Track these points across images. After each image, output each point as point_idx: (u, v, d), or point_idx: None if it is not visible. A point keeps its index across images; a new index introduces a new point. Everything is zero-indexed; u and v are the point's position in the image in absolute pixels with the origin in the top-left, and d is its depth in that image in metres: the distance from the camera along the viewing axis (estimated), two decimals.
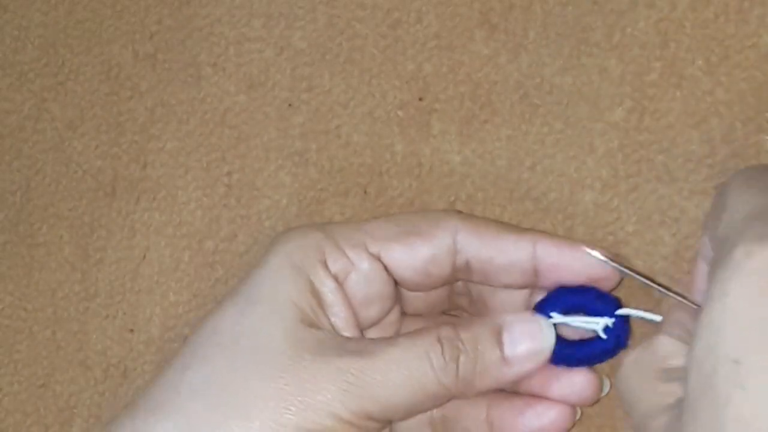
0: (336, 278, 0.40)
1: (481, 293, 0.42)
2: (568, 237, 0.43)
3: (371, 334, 0.42)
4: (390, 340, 0.38)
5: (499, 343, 0.39)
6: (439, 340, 0.38)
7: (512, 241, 0.40)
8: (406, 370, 0.37)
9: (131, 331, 0.49)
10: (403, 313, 0.43)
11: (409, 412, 0.38)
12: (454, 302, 0.43)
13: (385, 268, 0.40)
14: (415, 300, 0.42)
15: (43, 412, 0.49)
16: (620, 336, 0.40)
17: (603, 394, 0.41)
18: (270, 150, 0.49)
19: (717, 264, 0.32)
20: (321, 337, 0.38)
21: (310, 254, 0.39)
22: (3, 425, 0.49)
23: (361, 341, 0.39)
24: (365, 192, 0.47)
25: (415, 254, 0.40)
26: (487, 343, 0.39)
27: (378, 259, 0.40)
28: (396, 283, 0.41)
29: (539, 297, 0.41)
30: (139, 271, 0.49)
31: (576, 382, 0.40)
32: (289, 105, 0.49)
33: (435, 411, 0.41)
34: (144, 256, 0.49)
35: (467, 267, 0.40)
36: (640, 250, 0.43)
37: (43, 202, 0.51)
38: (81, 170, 0.51)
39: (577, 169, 0.45)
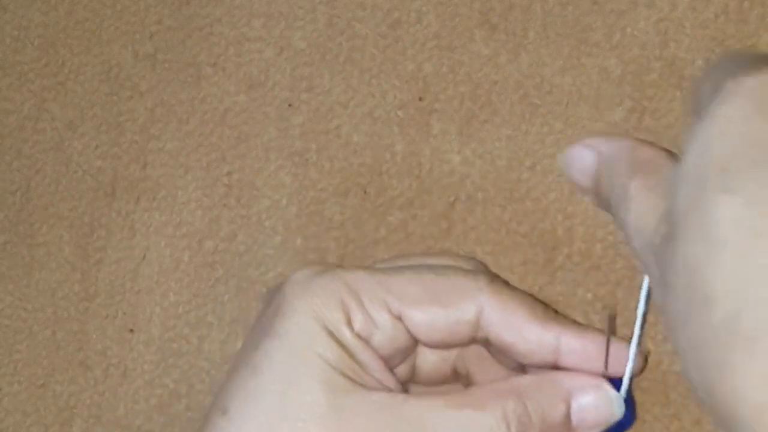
0: (359, 336, 0.39)
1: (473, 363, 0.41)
2: (594, 329, 0.41)
3: None
4: (452, 407, 0.37)
5: (568, 411, 0.38)
6: (506, 418, 0.37)
7: (537, 331, 0.39)
8: None
9: (131, 331, 0.49)
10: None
11: None
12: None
13: (408, 329, 0.39)
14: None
15: (43, 412, 0.49)
16: (628, 418, 0.39)
17: None
18: (270, 150, 0.49)
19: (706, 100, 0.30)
20: (374, 401, 0.37)
21: (336, 314, 0.38)
22: (3, 425, 0.49)
23: (417, 405, 0.37)
24: (365, 192, 0.47)
25: (437, 323, 0.39)
26: (555, 415, 0.38)
27: (399, 319, 0.39)
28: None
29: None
30: (139, 271, 0.49)
31: None
32: (289, 105, 0.49)
33: None
34: (144, 256, 0.49)
35: (487, 341, 0.40)
36: None
37: (43, 202, 0.51)
38: (81, 170, 0.51)
39: None
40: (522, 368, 0.40)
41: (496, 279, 0.41)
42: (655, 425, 0.42)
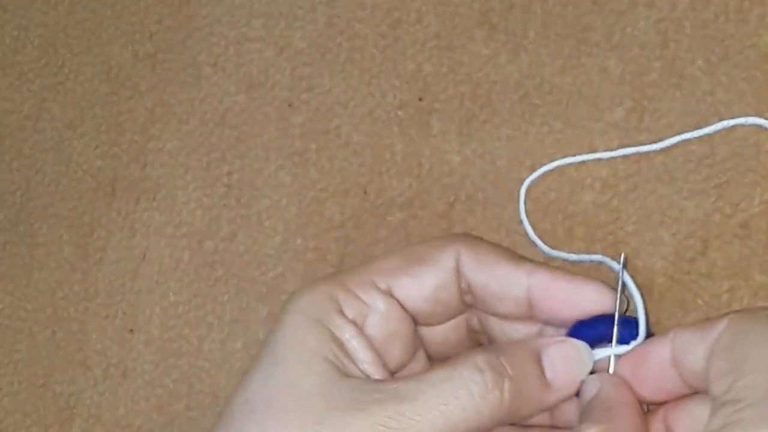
0: (354, 323, 0.39)
1: (494, 331, 0.41)
2: (567, 271, 0.41)
3: None
4: (424, 375, 0.37)
5: (540, 366, 0.38)
6: (478, 368, 0.37)
7: (507, 268, 0.39)
8: (444, 407, 0.36)
9: (131, 331, 0.49)
10: (430, 359, 0.42)
11: None
12: (474, 341, 0.42)
13: (400, 304, 0.40)
14: (438, 343, 0.42)
15: (43, 412, 0.49)
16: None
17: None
18: (270, 150, 0.49)
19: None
20: (352, 385, 0.37)
21: (325, 305, 0.39)
22: (3, 425, 0.49)
23: (394, 382, 0.37)
24: (365, 192, 0.47)
25: (423, 282, 0.40)
26: (529, 367, 0.38)
27: (390, 295, 0.40)
28: (414, 321, 0.41)
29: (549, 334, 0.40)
30: (139, 271, 0.49)
31: None
32: (289, 105, 0.49)
33: None
34: (144, 256, 0.49)
35: (470, 292, 0.40)
36: (640, 250, 0.43)
37: (43, 202, 0.51)
38: (81, 170, 0.51)
39: (577, 169, 0.45)
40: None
41: (472, 235, 0.42)
42: None
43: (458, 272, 0.40)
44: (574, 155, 0.45)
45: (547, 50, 0.46)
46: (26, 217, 0.51)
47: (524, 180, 0.44)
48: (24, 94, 0.53)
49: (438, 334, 0.42)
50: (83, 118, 0.52)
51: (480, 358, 0.37)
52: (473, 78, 0.47)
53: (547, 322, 0.40)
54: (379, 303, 0.40)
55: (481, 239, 0.42)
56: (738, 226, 0.42)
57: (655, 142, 0.44)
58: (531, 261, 0.40)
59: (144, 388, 0.48)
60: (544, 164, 0.45)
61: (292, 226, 0.48)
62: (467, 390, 0.36)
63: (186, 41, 0.51)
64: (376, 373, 0.39)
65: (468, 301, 0.41)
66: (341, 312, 0.39)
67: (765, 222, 0.42)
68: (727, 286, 0.41)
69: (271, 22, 0.50)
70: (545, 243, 0.44)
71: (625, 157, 0.44)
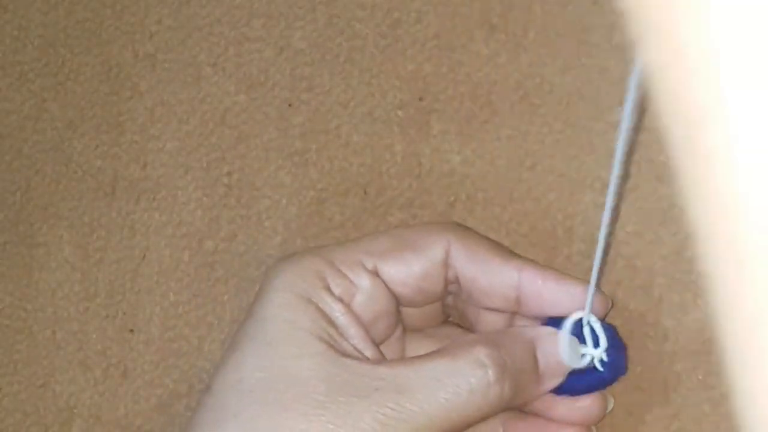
0: (342, 301, 0.39)
1: (468, 313, 0.42)
2: (556, 269, 0.41)
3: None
4: (424, 364, 0.37)
5: (535, 359, 0.38)
6: (481, 362, 0.37)
7: (498, 263, 0.39)
8: (445, 401, 0.36)
9: (131, 331, 0.49)
10: (404, 328, 0.42)
11: None
12: (446, 315, 0.43)
13: (385, 284, 0.40)
14: (411, 316, 0.42)
15: (43, 412, 0.49)
16: (617, 366, 0.39)
17: (608, 410, 0.40)
18: (270, 150, 0.49)
19: None
20: (351, 368, 0.37)
21: (313, 282, 0.39)
22: (3, 425, 0.49)
23: (393, 368, 0.38)
24: (365, 192, 0.47)
25: (410, 268, 0.40)
26: (527, 361, 0.38)
27: (377, 275, 0.40)
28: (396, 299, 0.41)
29: (520, 321, 0.40)
30: (139, 271, 0.49)
31: (580, 404, 0.39)
32: (289, 105, 0.49)
33: None
34: (144, 256, 0.49)
35: (456, 282, 0.40)
36: (640, 250, 0.43)
37: (43, 202, 0.51)
38: (81, 170, 0.51)
39: (577, 169, 0.45)
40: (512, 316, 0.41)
41: (463, 225, 0.42)
42: (655, 425, 0.42)
43: (446, 263, 0.40)
44: (574, 155, 0.45)
45: (547, 50, 0.46)
46: (26, 217, 0.51)
47: None
48: (24, 94, 0.53)
49: (416, 310, 0.42)
50: (83, 118, 0.52)
51: (482, 353, 0.37)
52: (473, 78, 0.47)
53: (532, 317, 0.40)
54: (366, 282, 0.40)
55: (471, 230, 0.42)
56: None
57: (655, 142, 0.44)
58: (519, 256, 0.41)
59: (144, 388, 0.48)
60: (545, 164, 0.45)
61: (292, 226, 0.48)
62: (469, 386, 0.37)
63: (186, 41, 0.51)
64: (365, 348, 0.39)
65: (452, 289, 0.41)
66: (329, 289, 0.39)
67: None
68: None
69: (271, 22, 0.50)
70: (545, 243, 0.44)
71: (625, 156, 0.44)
